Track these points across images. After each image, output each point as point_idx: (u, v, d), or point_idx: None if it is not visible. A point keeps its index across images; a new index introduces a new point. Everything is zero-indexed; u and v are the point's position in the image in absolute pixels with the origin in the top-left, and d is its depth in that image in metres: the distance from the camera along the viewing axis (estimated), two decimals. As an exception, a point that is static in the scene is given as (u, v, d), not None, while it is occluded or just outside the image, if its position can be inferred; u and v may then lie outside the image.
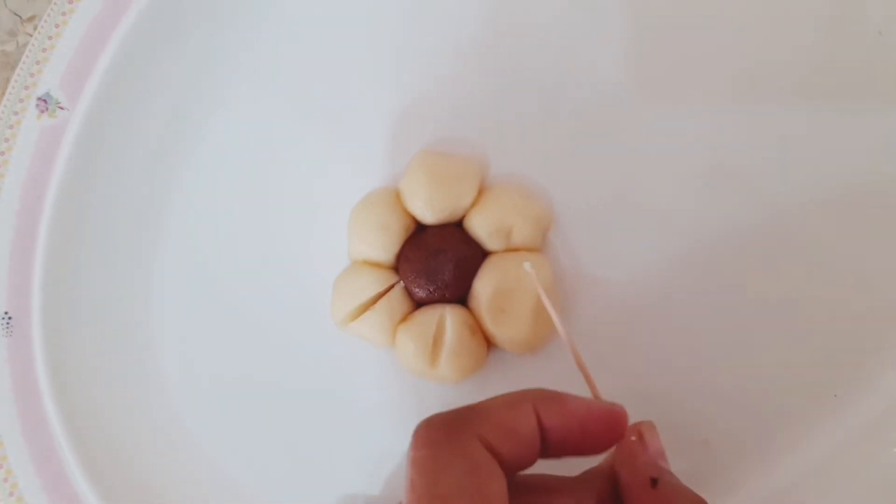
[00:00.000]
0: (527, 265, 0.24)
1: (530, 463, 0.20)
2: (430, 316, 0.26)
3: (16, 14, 0.33)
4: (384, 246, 0.26)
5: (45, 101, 0.27)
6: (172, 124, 0.29)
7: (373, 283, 0.26)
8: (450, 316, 0.26)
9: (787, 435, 0.25)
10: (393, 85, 0.29)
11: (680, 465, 0.21)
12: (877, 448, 0.24)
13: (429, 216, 0.26)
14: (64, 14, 0.27)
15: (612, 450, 0.21)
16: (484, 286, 0.26)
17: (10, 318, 0.26)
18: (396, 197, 0.27)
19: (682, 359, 0.26)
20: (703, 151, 0.27)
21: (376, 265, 0.27)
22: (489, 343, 0.26)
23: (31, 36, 0.31)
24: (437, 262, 0.26)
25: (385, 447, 0.27)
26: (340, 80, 0.30)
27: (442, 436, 0.19)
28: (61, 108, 0.27)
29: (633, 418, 0.22)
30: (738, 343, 0.26)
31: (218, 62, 0.29)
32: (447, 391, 0.27)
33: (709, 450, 0.26)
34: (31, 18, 0.33)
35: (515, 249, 0.26)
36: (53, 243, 0.26)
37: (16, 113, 0.26)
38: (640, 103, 0.27)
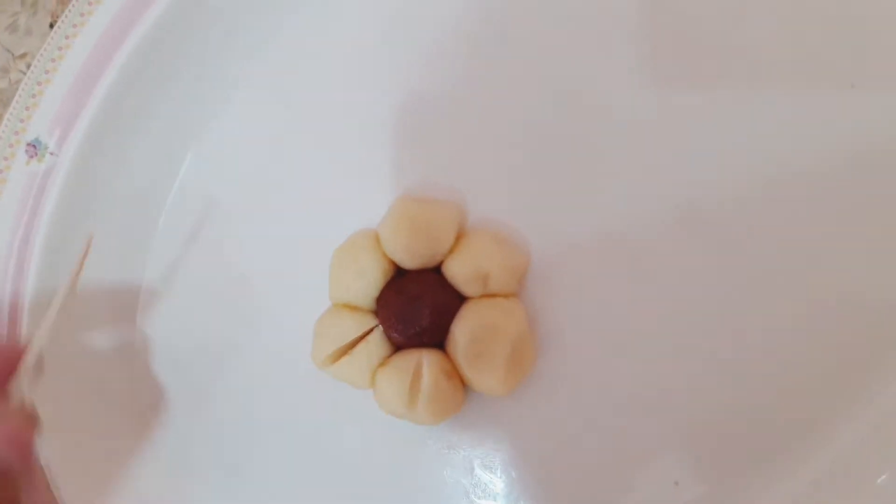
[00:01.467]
0: None
1: None
2: (407, 360, 0.26)
3: (8, 50, 0.34)
4: (364, 290, 0.27)
5: (34, 146, 0.27)
6: (159, 167, 0.30)
7: (352, 326, 0.27)
8: (427, 361, 0.26)
9: (767, 470, 0.25)
10: (375, 127, 0.30)
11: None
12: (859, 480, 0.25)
13: (408, 262, 0.27)
14: (53, 60, 0.27)
15: None
16: (461, 332, 0.26)
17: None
18: (377, 240, 0.28)
19: (663, 396, 0.27)
20: (678, 188, 0.27)
21: (356, 308, 0.27)
22: (466, 386, 0.27)
23: (23, 73, 0.32)
24: (416, 308, 0.26)
25: (366, 481, 0.28)
26: (323, 120, 0.30)
27: None
28: (51, 154, 0.27)
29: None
30: (717, 380, 0.26)
31: (204, 105, 0.30)
32: (426, 430, 0.28)
33: (678, 490, 0.27)
34: (22, 56, 0.34)
35: (492, 295, 0.27)
36: (40, 288, 0.27)
37: (5, 158, 0.27)
38: (615, 143, 0.28)
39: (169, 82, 0.29)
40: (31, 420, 0.21)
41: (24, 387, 0.21)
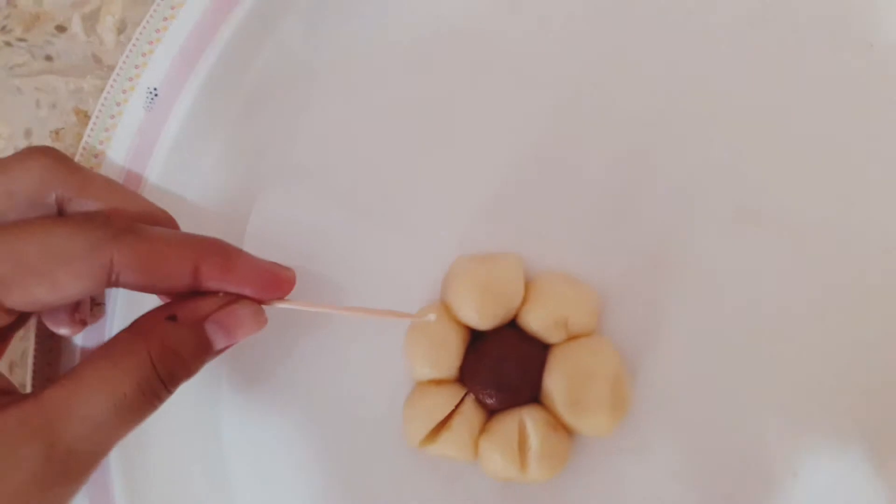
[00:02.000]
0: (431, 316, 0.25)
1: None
2: (509, 423, 0.26)
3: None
4: (446, 364, 0.26)
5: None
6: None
7: (443, 401, 0.26)
8: (529, 419, 0.26)
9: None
10: (409, 198, 0.29)
11: None
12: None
13: (484, 323, 0.26)
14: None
15: None
16: (555, 382, 0.26)
17: None
18: (446, 310, 0.27)
19: (752, 416, 0.27)
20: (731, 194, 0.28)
21: (441, 382, 0.27)
22: (571, 432, 0.26)
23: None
24: (503, 368, 0.26)
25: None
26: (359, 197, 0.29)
27: None
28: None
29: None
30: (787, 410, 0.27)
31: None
32: (538, 489, 0.27)
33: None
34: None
35: (575, 337, 0.27)
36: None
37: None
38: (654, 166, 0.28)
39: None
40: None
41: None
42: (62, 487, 0.19)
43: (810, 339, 0.27)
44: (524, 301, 0.27)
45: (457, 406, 0.26)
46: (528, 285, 0.27)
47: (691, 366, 0.27)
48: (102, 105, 0.26)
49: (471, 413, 0.26)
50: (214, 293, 0.22)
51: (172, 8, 0.26)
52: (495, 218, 0.28)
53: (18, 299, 0.19)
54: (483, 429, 0.26)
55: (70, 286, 0.20)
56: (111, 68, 0.28)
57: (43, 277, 0.19)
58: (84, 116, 0.29)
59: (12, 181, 0.20)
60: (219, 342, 0.22)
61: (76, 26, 0.29)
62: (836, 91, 0.28)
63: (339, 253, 0.28)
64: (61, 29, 0.30)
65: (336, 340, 0.28)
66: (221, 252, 0.22)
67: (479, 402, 0.26)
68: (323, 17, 0.28)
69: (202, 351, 0.22)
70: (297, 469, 0.28)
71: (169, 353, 0.21)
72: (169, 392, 0.21)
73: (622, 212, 0.28)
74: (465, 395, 0.27)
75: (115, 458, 0.27)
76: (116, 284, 0.20)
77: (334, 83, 0.28)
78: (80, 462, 0.19)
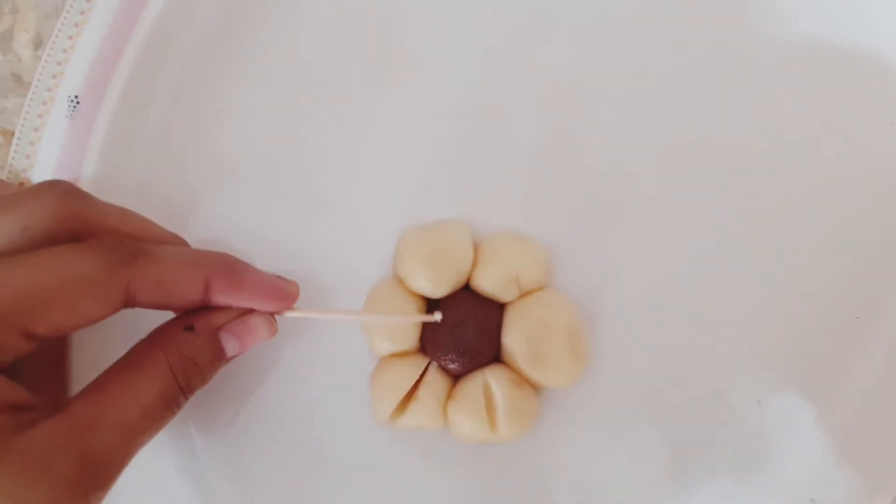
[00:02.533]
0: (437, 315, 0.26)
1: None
2: (473, 386, 0.26)
3: None
4: (404, 336, 0.26)
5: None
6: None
7: (407, 373, 0.26)
8: (492, 379, 0.26)
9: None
10: (349, 178, 0.29)
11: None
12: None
13: (437, 291, 0.26)
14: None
15: None
16: (513, 339, 0.26)
17: None
18: (399, 282, 0.27)
19: (733, 321, 0.27)
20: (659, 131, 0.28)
21: (404, 354, 0.27)
22: (536, 388, 0.27)
23: None
24: (461, 333, 0.26)
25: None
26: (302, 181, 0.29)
27: None
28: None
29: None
30: (745, 341, 0.27)
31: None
32: (511, 448, 0.27)
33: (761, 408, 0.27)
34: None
35: (528, 293, 0.27)
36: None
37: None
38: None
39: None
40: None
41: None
42: (94, 494, 0.20)
43: (758, 267, 0.27)
44: (474, 264, 0.27)
45: (421, 376, 0.26)
46: (477, 248, 0.27)
47: (646, 310, 0.27)
48: (24, 119, 0.26)
49: (435, 381, 0.26)
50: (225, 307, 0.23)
51: (82, 13, 0.25)
52: (439, 187, 0.28)
53: (43, 327, 0.20)
54: (449, 395, 0.26)
55: (91, 311, 0.20)
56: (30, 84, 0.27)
57: (65, 305, 0.20)
58: (11, 136, 0.29)
59: (28, 216, 0.21)
60: (231, 350, 0.24)
61: (-9, 46, 0.29)
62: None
63: (289, 242, 0.28)
64: (-24, 51, 0.29)
65: (296, 327, 0.28)
66: (230, 269, 0.23)
67: (443, 369, 0.27)
68: (239, 2, 0.28)
69: (217, 359, 0.23)
70: (269, 458, 0.28)
71: (187, 362, 0.22)
72: (186, 399, 0.23)
73: (559, 166, 0.28)
74: (429, 364, 0.27)
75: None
76: (132, 305, 0.21)
77: (257, 70, 0.28)
78: (109, 469, 0.20)
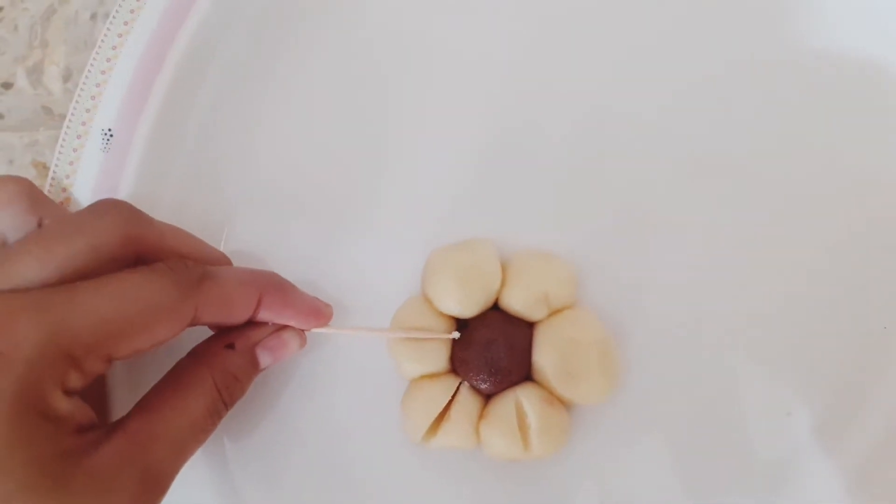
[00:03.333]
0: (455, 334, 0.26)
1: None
2: (506, 405, 0.26)
3: None
4: (435, 358, 0.27)
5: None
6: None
7: (439, 394, 0.26)
8: (524, 398, 0.26)
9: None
10: (376, 199, 0.29)
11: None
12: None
13: (466, 311, 0.27)
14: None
15: None
16: (544, 357, 0.26)
17: None
18: (428, 303, 0.27)
19: (763, 332, 0.27)
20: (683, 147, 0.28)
21: (434, 376, 0.27)
22: (567, 405, 0.27)
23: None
24: (492, 352, 0.26)
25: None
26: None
27: None
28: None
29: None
30: (774, 353, 0.27)
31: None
32: (543, 465, 0.27)
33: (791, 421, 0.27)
34: None
35: (557, 311, 0.27)
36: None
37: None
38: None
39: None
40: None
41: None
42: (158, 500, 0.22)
43: (784, 280, 0.28)
44: (503, 283, 0.27)
45: (453, 396, 0.27)
46: (504, 267, 0.27)
47: (674, 324, 0.28)
48: (60, 153, 0.26)
49: (467, 401, 0.27)
50: (264, 323, 0.25)
51: (114, 48, 0.26)
52: (464, 206, 0.29)
53: (123, 350, 0.21)
54: (482, 414, 0.27)
55: (165, 334, 0.22)
56: (62, 117, 0.28)
57: (144, 330, 0.21)
58: (43, 168, 0.29)
59: (96, 237, 0.22)
60: (265, 363, 0.25)
61: (22, 81, 0.30)
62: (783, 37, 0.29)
63: (317, 263, 0.28)
64: (7, 86, 0.30)
65: (328, 349, 0.28)
66: (280, 289, 0.25)
67: (474, 389, 0.27)
68: (268, 28, 0.28)
69: (254, 373, 0.25)
70: (303, 478, 0.28)
71: (230, 378, 0.24)
72: (228, 411, 0.24)
73: (584, 184, 0.29)
74: (460, 384, 0.27)
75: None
76: (195, 324, 0.23)
77: (287, 95, 0.29)
78: (165, 481, 0.22)
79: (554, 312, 0.27)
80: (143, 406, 0.22)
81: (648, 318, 0.28)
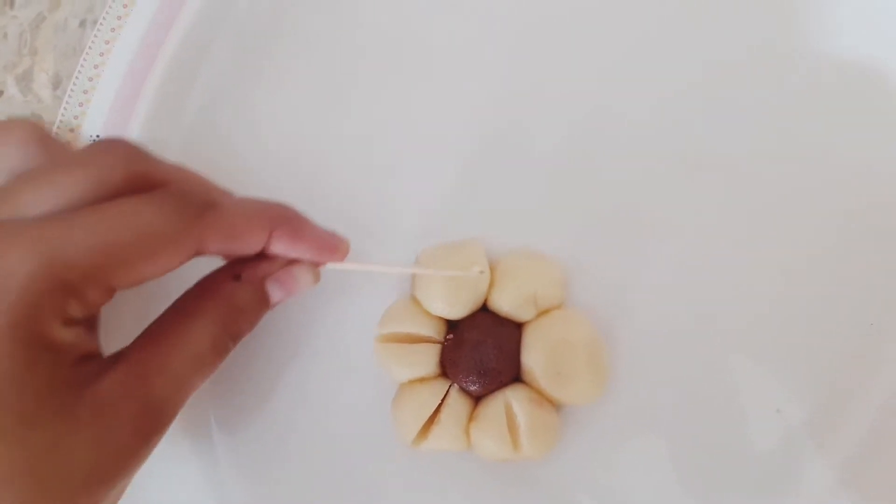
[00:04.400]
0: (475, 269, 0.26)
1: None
2: (494, 406, 0.26)
3: None
4: (424, 361, 0.27)
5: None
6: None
7: (428, 398, 0.26)
8: (514, 399, 0.26)
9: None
10: (364, 200, 0.29)
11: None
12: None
13: (454, 312, 0.27)
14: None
15: None
16: (533, 358, 0.26)
17: None
18: (415, 304, 0.27)
19: (752, 328, 0.28)
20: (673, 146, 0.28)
21: (423, 379, 0.27)
22: (557, 406, 0.27)
23: None
24: (481, 354, 0.26)
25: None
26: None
27: None
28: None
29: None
30: (762, 352, 0.27)
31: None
32: (535, 466, 0.27)
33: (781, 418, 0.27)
34: None
35: (545, 311, 0.27)
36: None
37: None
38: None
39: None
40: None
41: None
42: (154, 438, 0.21)
43: (772, 278, 0.28)
44: (491, 284, 0.27)
45: (443, 399, 0.27)
46: (493, 268, 0.27)
47: (663, 323, 0.28)
48: (48, 160, 0.26)
49: (457, 403, 0.27)
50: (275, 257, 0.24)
51: (101, 55, 0.26)
52: (453, 207, 0.29)
53: (124, 280, 0.20)
54: (472, 416, 0.27)
55: (166, 263, 0.21)
56: (53, 124, 0.28)
57: (144, 258, 0.21)
58: (33, 175, 0.29)
59: (101, 171, 0.21)
60: (276, 297, 0.24)
61: (12, 88, 0.30)
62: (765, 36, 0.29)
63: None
64: (-3, 93, 0.30)
65: (320, 349, 0.29)
66: (292, 222, 0.24)
67: (464, 391, 0.27)
68: (257, 36, 0.28)
69: (262, 307, 0.24)
70: (294, 479, 0.28)
71: (236, 311, 0.23)
72: (234, 346, 0.24)
73: (573, 183, 0.29)
74: (450, 387, 0.27)
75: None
76: (200, 254, 0.22)
77: (274, 100, 0.29)
78: (167, 415, 0.21)
79: (542, 313, 0.27)
80: (146, 337, 0.22)
81: (637, 318, 0.28)
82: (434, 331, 0.27)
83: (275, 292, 0.24)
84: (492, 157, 0.29)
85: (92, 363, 0.21)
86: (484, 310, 0.28)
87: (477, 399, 0.27)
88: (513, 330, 0.27)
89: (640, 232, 0.28)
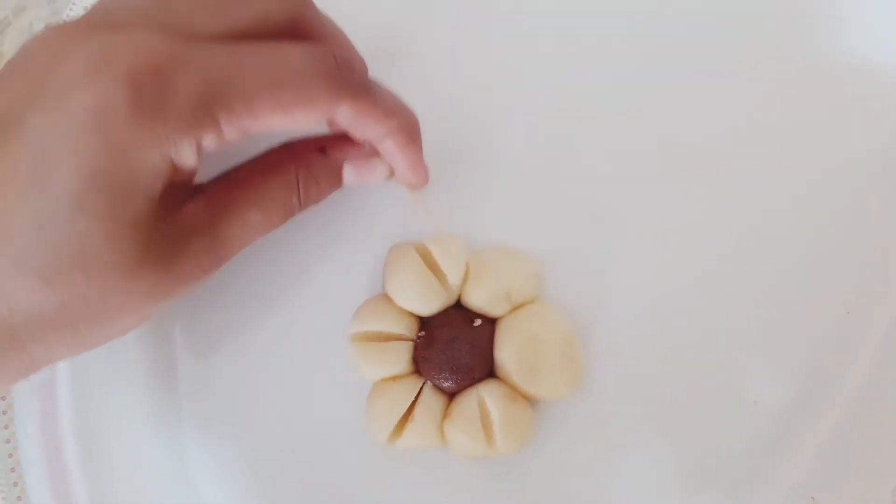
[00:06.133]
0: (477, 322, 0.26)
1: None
2: (468, 403, 0.26)
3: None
4: (396, 360, 0.26)
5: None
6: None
7: (402, 396, 0.26)
8: (487, 395, 0.26)
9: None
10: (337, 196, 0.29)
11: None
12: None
13: (427, 308, 0.27)
14: None
15: None
16: (506, 353, 0.26)
17: None
18: (387, 302, 0.27)
19: (703, 354, 0.27)
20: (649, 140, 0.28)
21: (396, 378, 0.27)
22: (532, 401, 0.27)
23: None
24: (454, 350, 0.26)
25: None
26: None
27: None
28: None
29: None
30: (738, 344, 0.27)
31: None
32: (511, 462, 0.27)
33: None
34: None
35: (519, 307, 0.27)
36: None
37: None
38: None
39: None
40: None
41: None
42: (212, 272, 0.22)
43: (747, 270, 0.28)
44: (465, 279, 0.27)
45: (416, 397, 0.26)
46: (467, 263, 0.27)
47: (638, 317, 0.27)
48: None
49: (431, 401, 0.26)
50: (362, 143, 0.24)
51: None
52: (429, 202, 0.28)
53: (260, 122, 0.21)
54: (445, 413, 0.26)
55: (300, 119, 0.21)
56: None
57: (286, 104, 0.21)
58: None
59: (266, 9, 0.21)
60: (348, 179, 0.25)
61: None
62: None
63: (277, 258, 0.28)
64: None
65: (293, 353, 0.28)
66: (410, 133, 0.24)
67: (438, 388, 0.27)
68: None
69: (334, 185, 0.25)
70: (271, 483, 0.28)
71: (312, 181, 0.24)
72: (299, 211, 0.24)
73: (547, 178, 0.28)
74: (423, 384, 0.27)
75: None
76: (326, 124, 0.22)
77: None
78: (226, 254, 0.22)
79: (516, 308, 0.27)
80: (224, 179, 0.23)
81: (612, 313, 0.27)
82: (406, 328, 0.27)
83: (349, 174, 0.25)
84: (465, 153, 0.29)
85: (183, 191, 0.22)
86: (457, 306, 0.27)
87: (451, 396, 0.27)
88: (486, 326, 0.27)
89: (614, 227, 0.28)
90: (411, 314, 0.27)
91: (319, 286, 0.28)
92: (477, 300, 0.27)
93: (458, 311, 0.27)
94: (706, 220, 0.28)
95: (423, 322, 0.27)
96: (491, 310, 0.27)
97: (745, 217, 0.28)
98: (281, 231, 0.28)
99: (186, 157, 0.20)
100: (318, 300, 0.28)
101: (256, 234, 0.23)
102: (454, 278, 0.27)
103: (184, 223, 0.21)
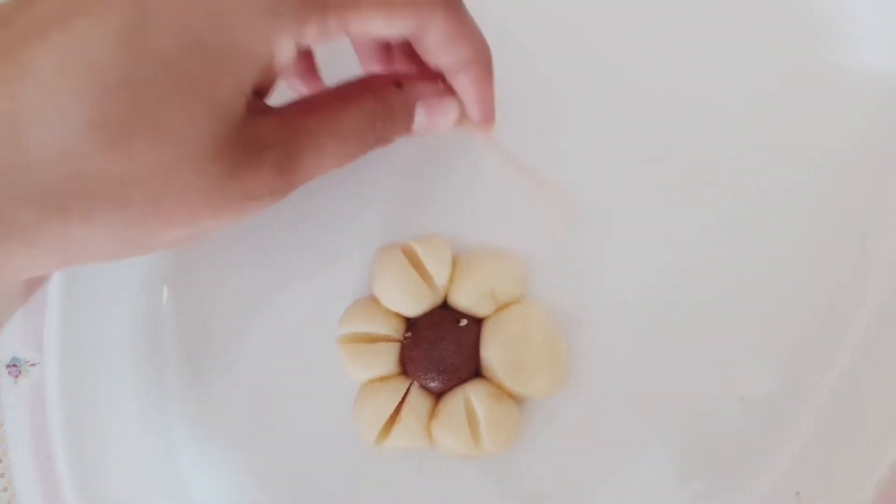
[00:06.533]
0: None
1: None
2: (454, 403, 0.26)
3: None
4: (383, 361, 0.27)
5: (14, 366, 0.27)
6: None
7: (389, 397, 0.26)
8: (473, 394, 0.26)
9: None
10: (323, 196, 0.29)
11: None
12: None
13: (413, 309, 0.27)
14: None
15: None
16: (492, 353, 0.26)
17: None
18: (375, 303, 0.28)
19: (688, 353, 0.27)
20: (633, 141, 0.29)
21: (383, 379, 0.27)
22: (518, 400, 0.27)
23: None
24: (440, 351, 0.26)
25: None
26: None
27: None
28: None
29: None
30: (723, 341, 0.28)
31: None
32: (498, 461, 0.27)
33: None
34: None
35: (504, 307, 0.27)
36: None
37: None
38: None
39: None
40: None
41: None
42: (277, 197, 0.21)
43: (731, 268, 0.28)
44: (450, 280, 0.27)
45: (403, 397, 0.27)
46: (452, 264, 0.27)
47: (623, 315, 0.28)
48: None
49: (417, 401, 0.27)
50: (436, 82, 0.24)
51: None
52: (414, 204, 0.29)
53: (361, 22, 0.20)
54: (432, 413, 0.27)
55: (403, 25, 0.21)
56: None
57: (386, 8, 0.20)
58: None
59: None
60: (419, 123, 0.24)
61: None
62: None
63: (265, 260, 0.29)
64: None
65: (281, 354, 0.29)
66: (488, 66, 0.24)
67: (425, 389, 0.27)
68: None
69: (408, 123, 0.24)
70: (260, 485, 0.28)
71: (388, 115, 0.23)
72: (373, 147, 0.23)
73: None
74: (410, 385, 0.27)
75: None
76: (411, 44, 0.22)
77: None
78: (297, 179, 0.21)
79: (501, 308, 0.27)
80: (301, 103, 0.22)
81: (597, 312, 0.28)
82: (393, 329, 0.27)
83: (419, 116, 0.24)
84: (451, 153, 0.29)
85: (260, 105, 0.21)
86: (443, 307, 0.28)
87: (438, 396, 0.27)
88: (471, 326, 0.27)
89: (598, 226, 0.28)
90: (398, 315, 0.27)
91: (307, 288, 0.29)
92: (463, 300, 0.27)
93: (444, 312, 0.27)
94: (690, 219, 0.28)
95: (410, 323, 0.27)
96: (477, 310, 0.27)
97: (729, 215, 0.28)
98: (269, 233, 0.29)
99: (286, 50, 0.19)
100: (306, 302, 0.28)
101: (329, 165, 0.22)
102: (440, 279, 0.27)
103: (258, 135, 0.20)
